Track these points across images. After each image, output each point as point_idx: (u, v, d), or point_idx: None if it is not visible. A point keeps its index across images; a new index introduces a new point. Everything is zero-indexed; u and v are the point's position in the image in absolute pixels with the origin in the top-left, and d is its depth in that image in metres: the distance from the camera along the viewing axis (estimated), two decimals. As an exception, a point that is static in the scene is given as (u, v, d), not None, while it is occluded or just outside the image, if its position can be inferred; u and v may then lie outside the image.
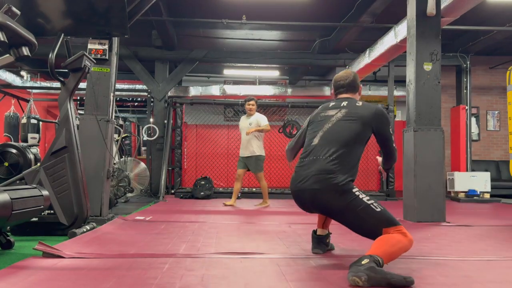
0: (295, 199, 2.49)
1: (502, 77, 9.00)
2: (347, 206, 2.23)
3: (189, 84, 10.30)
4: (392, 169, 7.88)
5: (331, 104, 2.61)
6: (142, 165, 7.47)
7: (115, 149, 6.25)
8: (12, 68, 9.18)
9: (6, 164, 4.88)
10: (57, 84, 9.02)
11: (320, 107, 2.69)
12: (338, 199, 2.24)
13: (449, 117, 8.92)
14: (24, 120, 7.51)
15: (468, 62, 9.05)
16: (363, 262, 1.89)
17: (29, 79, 9.85)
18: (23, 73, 9.78)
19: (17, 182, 3.31)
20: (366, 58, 7.33)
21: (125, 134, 7.99)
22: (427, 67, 4.51)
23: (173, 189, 8.09)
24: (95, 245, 2.77)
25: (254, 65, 9.19)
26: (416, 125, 4.48)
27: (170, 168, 8.11)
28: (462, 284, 1.94)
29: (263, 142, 6.24)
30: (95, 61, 3.59)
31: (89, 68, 3.38)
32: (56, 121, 4.20)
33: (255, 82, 10.27)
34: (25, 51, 2.36)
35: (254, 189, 7.94)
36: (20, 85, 9.45)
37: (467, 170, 8.53)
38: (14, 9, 2.26)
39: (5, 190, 2.34)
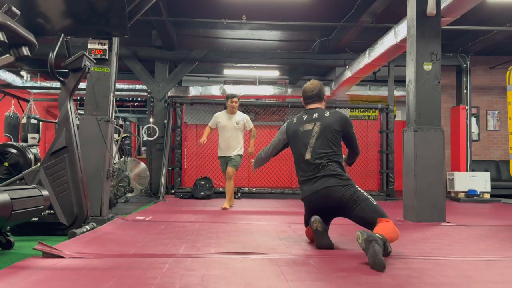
0: (309, 204, 2.88)
1: (502, 77, 9.00)
2: (352, 197, 2.68)
3: (189, 84, 10.30)
4: (391, 169, 7.96)
5: (304, 117, 3.04)
6: (142, 165, 7.47)
7: (115, 149, 6.25)
8: (12, 68, 9.19)
9: (6, 164, 4.88)
10: (57, 84, 9.03)
11: (295, 119, 3.11)
12: (347, 191, 2.71)
13: (449, 117, 8.91)
14: (24, 120, 7.51)
15: (468, 62, 9.05)
16: (378, 236, 2.30)
17: (29, 79, 9.86)
18: (23, 73, 9.79)
19: (17, 182, 3.31)
20: (366, 58, 7.32)
21: (125, 134, 7.99)
22: (427, 67, 4.51)
23: (173, 189, 8.07)
24: (95, 245, 2.77)
25: (254, 65, 9.19)
26: (416, 125, 4.47)
27: (170, 168, 8.10)
28: (462, 284, 1.94)
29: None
30: (95, 61, 3.59)
31: (89, 68, 3.38)
32: (56, 121, 4.20)
33: (255, 82, 10.28)
34: (25, 51, 2.36)
35: (254, 189, 7.95)
36: (20, 85, 9.46)
37: (467, 170, 8.52)
38: (14, 9, 2.26)
39: (5, 190, 2.34)
